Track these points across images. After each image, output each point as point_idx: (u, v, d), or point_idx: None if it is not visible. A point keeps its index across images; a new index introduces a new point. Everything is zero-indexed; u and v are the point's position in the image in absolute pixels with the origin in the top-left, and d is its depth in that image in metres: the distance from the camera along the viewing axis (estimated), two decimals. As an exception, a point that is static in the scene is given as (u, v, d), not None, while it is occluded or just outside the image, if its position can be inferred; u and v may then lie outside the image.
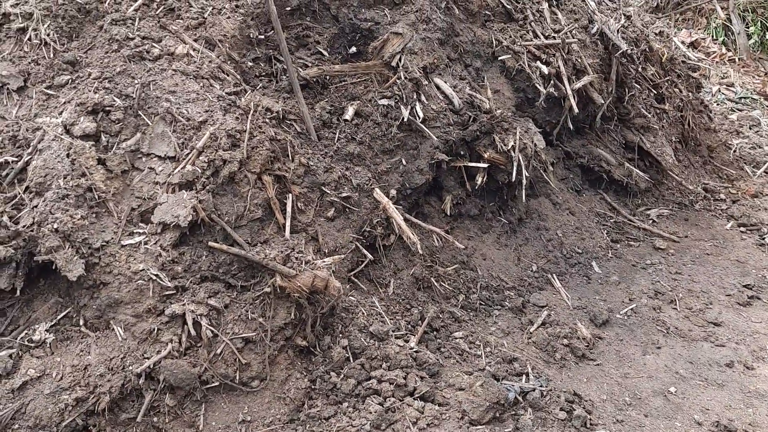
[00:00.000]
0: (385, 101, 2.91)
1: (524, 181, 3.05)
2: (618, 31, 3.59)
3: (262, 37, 2.91)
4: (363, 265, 2.72)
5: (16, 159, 2.24)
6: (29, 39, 2.52)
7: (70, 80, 2.44)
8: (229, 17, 2.81)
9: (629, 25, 3.88)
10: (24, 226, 2.11)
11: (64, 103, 2.36)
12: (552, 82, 3.26)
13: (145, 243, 2.20)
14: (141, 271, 2.16)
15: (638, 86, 3.81)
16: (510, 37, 3.34)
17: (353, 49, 3.10)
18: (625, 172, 3.70)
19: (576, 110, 3.30)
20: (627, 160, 3.75)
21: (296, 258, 2.32)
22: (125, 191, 2.29)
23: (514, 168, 3.01)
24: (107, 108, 2.32)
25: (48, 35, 2.53)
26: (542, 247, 3.31)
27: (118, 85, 2.41)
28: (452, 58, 3.25)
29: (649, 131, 3.83)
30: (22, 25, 2.53)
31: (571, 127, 3.49)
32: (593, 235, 3.51)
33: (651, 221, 3.78)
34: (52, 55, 2.50)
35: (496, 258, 3.16)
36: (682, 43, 6.55)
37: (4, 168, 2.24)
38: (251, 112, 2.50)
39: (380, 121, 2.88)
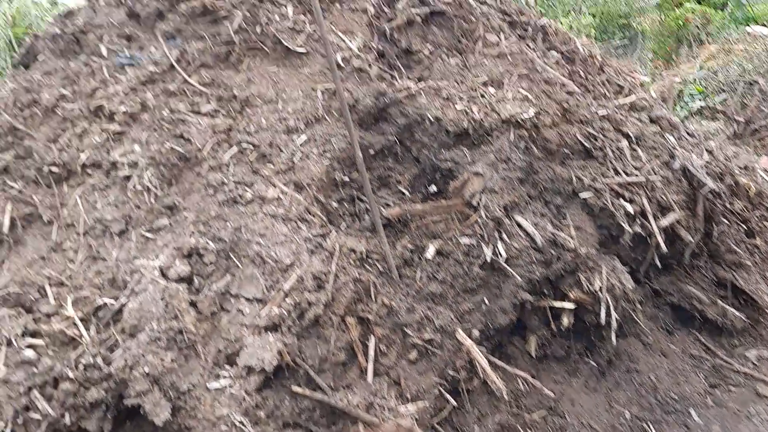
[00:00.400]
0: (466, 240, 2.91)
1: (613, 324, 2.92)
2: (702, 167, 3.54)
3: (347, 179, 3.02)
4: (446, 412, 2.61)
5: (113, 301, 2.33)
6: (133, 185, 2.70)
7: (168, 224, 2.58)
8: (316, 161, 2.94)
9: (712, 160, 3.82)
10: (116, 369, 2.15)
11: (162, 246, 2.48)
12: (637, 220, 3.20)
13: (230, 386, 2.20)
14: (225, 416, 2.14)
15: (726, 221, 3.69)
16: (590, 174, 3.34)
17: (433, 188, 3.16)
18: (718, 311, 3.51)
19: (664, 249, 3.21)
20: (720, 298, 3.56)
21: (379, 404, 2.26)
22: (213, 333, 2.32)
23: (602, 309, 2.91)
24: (201, 251, 2.42)
25: (150, 182, 2.70)
26: (634, 392, 3.11)
27: (212, 229, 2.52)
28: (532, 195, 3.26)
29: (742, 267, 3.66)
30: (128, 173, 2.72)
31: (659, 264, 3.37)
32: (689, 379, 3.28)
33: (751, 364, 3.51)
34: (152, 200, 2.66)
35: (586, 403, 2.98)
36: (764, 171, 6.39)
37: (101, 309, 2.33)
38: (336, 253, 2.55)
39: (462, 260, 2.87)
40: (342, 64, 3.31)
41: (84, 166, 2.81)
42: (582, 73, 4.03)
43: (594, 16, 11.82)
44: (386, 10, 3.85)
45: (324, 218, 2.79)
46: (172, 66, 3.21)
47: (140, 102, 3.00)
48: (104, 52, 3.35)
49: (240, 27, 3.33)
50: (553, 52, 4.08)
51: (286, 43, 3.34)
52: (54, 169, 2.80)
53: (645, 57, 12.67)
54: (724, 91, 7.89)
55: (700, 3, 14.71)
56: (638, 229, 3.20)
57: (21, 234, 2.66)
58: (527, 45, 4.01)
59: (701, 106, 7.94)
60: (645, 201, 3.28)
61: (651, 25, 11.96)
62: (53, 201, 2.74)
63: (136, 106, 2.99)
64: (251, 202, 2.68)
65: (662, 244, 3.23)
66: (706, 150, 3.94)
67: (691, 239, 3.37)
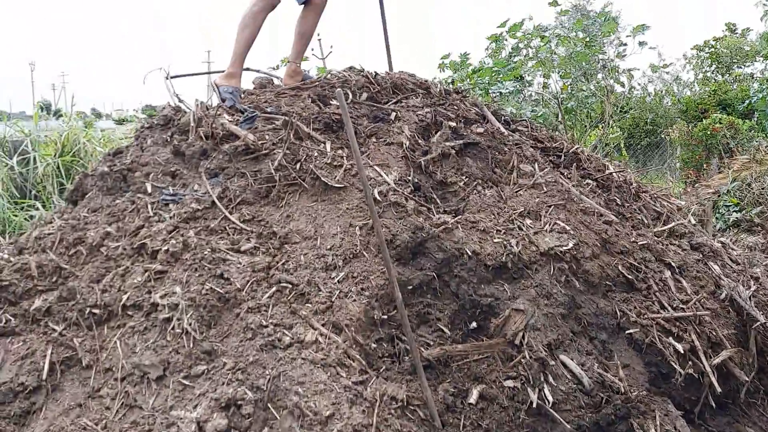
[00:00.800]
0: (510, 382, 2.81)
1: (672, 475, 2.74)
2: (750, 298, 3.43)
3: (385, 317, 2.97)
4: None
5: (150, 457, 2.26)
6: (173, 328, 2.68)
7: (206, 370, 2.53)
8: (354, 300, 2.92)
9: (759, 288, 3.71)
10: None
11: (199, 395, 2.43)
12: (688, 359, 3.07)
13: None
14: None
15: (781, 354, 3.53)
16: (635, 308, 3.25)
17: (474, 324, 3.10)
18: (781, 454, 3.28)
19: (718, 388, 3.05)
20: (782, 438, 3.35)
21: None
22: (249, 492, 2.22)
23: (658, 458, 2.74)
24: (239, 402, 2.36)
25: (189, 324, 2.69)
26: None
27: (250, 377, 2.47)
28: (576, 331, 3.17)
29: (802, 405, 3.46)
30: (167, 315, 2.72)
31: (713, 404, 3.20)
32: None
33: None
34: (191, 344, 2.63)
35: None
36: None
37: (136, 466, 2.26)
38: (377, 403, 2.47)
39: (507, 405, 2.76)
40: (379, 199, 3.36)
41: (125, 307, 2.82)
42: (618, 201, 4.03)
43: (621, 129, 12.03)
44: (421, 142, 3.95)
45: (363, 362, 2.73)
46: (214, 203, 3.29)
47: (182, 241, 3.05)
48: (149, 189, 3.46)
49: (280, 164, 3.43)
50: (588, 180, 4.11)
51: (324, 179, 3.41)
52: (95, 310, 2.81)
53: (674, 166, 12.74)
54: (760, 203, 7.83)
55: (725, 110, 14.92)
56: (689, 369, 3.07)
57: (59, 379, 2.64)
58: (561, 173, 4.04)
59: (737, 218, 7.86)
60: (694, 337, 3.16)
61: (679, 136, 12.11)
62: (93, 344, 2.73)
63: (178, 245, 3.03)
64: (290, 346, 2.64)
65: (716, 384, 3.08)
66: (752, 277, 3.83)
67: (746, 378, 3.21)
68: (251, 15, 4.22)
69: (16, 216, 5.42)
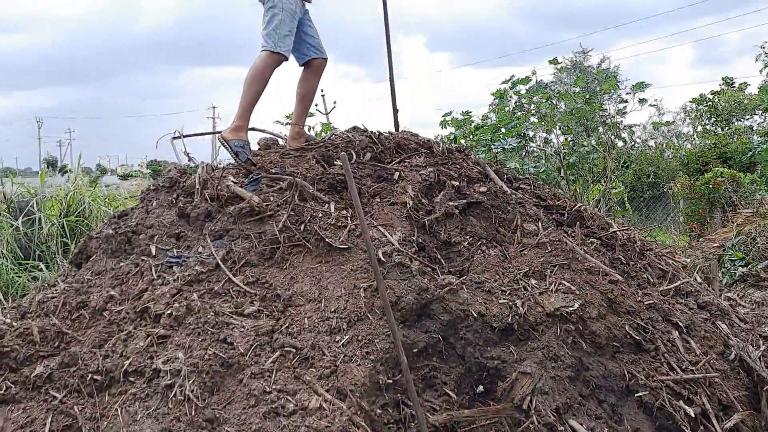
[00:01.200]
0: (518, 449, 2.75)
1: None
2: (759, 358, 3.38)
3: (390, 381, 2.93)
4: None
5: None
6: (174, 395, 2.65)
7: (208, 439, 2.49)
8: (359, 364, 2.88)
9: (769, 348, 3.66)
10: None
11: (200, 466, 2.38)
12: (699, 423, 3.01)
13: None
14: None
15: (794, 418, 3.45)
16: (644, 369, 3.20)
17: (480, 388, 3.05)
18: None
19: (732, 453, 2.98)
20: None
21: None
22: None
23: None
24: (241, 474, 2.31)
25: (192, 391, 2.65)
26: None
27: (253, 446, 2.42)
28: (584, 394, 3.11)
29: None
30: (169, 382, 2.68)
31: (728, 469, 3.12)
32: None
33: None
34: (193, 412, 2.59)
35: None
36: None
37: None
38: (383, 473, 2.41)
39: (515, 473, 2.69)
40: (383, 259, 3.35)
41: (126, 373, 2.79)
42: (623, 259, 4.01)
43: (624, 183, 12.11)
44: (424, 202, 3.97)
45: (368, 428, 2.67)
46: (218, 265, 3.29)
47: (186, 304, 3.03)
48: (153, 251, 3.47)
49: (285, 226, 3.44)
50: (592, 239, 4.10)
51: (328, 240, 3.41)
52: (97, 377, 2.78)
53: (678, 219, 12.76)
54: (765, 257, 7.80)
55: (726, 163, 15.02)
56: (702, 433, 3.00)
57: (58, 449, 2.58)
58: (565, 232, 4.04)
59: (743, 273, 7.81)
60: (705, 400, 3.10)
61: (681, 189, 12.17)
62: (94, 411, 2.69)
63: (181, 308, 3.02)
64: (293, 413, 2.59)
65: (730, 449, 3.01)
66: (761, 336, 3.78)
67: (760, 444, 3.14)
68: (259, 70, 4.28)
69: (19, 277, 5.43)
